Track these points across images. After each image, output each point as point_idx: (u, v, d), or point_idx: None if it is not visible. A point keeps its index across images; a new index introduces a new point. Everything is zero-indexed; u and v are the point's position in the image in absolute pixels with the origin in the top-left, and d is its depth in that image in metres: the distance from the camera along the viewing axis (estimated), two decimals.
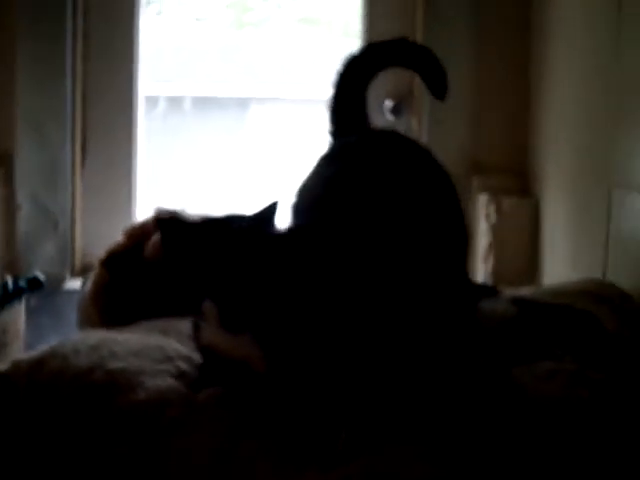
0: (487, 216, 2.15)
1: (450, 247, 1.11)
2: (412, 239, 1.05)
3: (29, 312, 1.69)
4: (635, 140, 1.59)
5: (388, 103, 2.29)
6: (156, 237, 1.45)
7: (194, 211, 1.49)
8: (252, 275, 0.97)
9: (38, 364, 1.06)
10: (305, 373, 0.98)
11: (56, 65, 2.21)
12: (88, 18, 2.28)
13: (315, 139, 2.76)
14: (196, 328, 1.04)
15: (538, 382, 1.07)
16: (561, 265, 1.97)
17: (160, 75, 2.66)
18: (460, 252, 1.15)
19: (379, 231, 1.04)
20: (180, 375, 1.04)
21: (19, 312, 1.65)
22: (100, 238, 1.96)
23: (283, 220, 1.07)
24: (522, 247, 2.12)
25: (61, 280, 2.14)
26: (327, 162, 1.18)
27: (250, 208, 1.04)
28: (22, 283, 1.67)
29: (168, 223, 1.02)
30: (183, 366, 1.06)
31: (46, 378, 1.03)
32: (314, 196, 1.12)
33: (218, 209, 1.09)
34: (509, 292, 1.43)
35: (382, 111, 2.30)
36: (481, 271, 2.15)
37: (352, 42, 2.51)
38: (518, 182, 2.20)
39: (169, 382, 1.02)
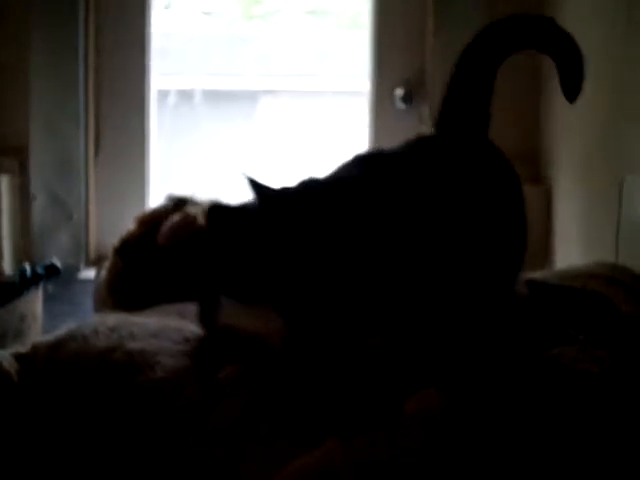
0: None
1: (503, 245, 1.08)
2: (462, 225, 1.02)
3: (46, 299, 1.70)
4: None
5: (399, 91, 2.30)
6: (168, 223, 1.46)
7: (203, 197, 1.50)
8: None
9: (57, 345, 1.07)
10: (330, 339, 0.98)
11: (69, 59, 2.23)
12: (100, 13, 2.30)
13: (324, 131, 2.78)
14: (208, 309, 1.05)
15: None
16: (573, 250, 1.97)
17: (170, 69, 2.68)
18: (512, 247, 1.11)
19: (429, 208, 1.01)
20: (198, 355, 1.05)
21: (37, 299, 1.67)
22: (114, 228, 1.97)
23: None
24: (535, 233, 2.11)
25: (76, 270, 2.16)
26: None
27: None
28: (39, 270, 1.68)
29: (217, 210, 1.01)
30: (201, 347, 1.06)
31: (66, 358, 1.04)
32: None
33: (227, 198, 1.09)
34: (521, 276, 1.43)
35: (393, 99, 2.31)
36: None
37: (361, 34, 2.51)
38: (530, 169, 2.20)
39: (187, 362, 1.03)
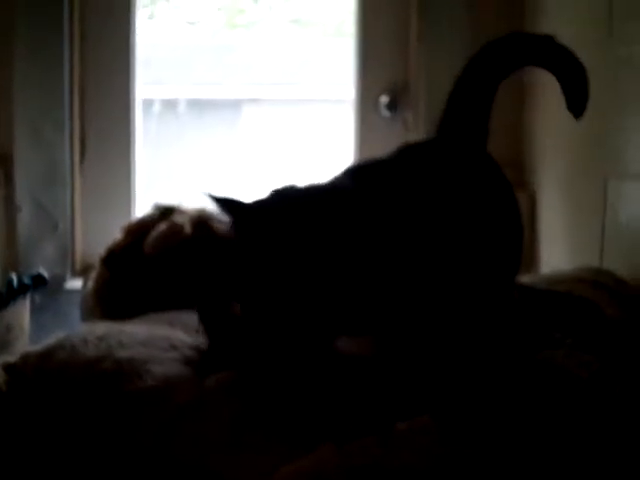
0: None
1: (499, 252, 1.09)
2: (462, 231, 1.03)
3: (32, 310, 1.70)
4: (631, 130, 1.61)
5: (384, 99, 2.31)
6: (155, 233, 1.46)
7: (190, 205, 1.50)
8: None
9: (47, 355, 1.07)
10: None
11: (54, 67, 2.22)
12: (84, 22, 2.29)
13: (308, 140, 2.79)
14: (209, 316, 1.04)
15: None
16: (559, 255, 1.98)
17: (154, 78, 2.67)
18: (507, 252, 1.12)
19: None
20: (187, 362, 1.05)
21: (24, 309, 1.66)
22: (100, 238, 1.97)
23: None
24: None
25: (62, 280, 2.15)
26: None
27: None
28: (26, 280, 1.68)
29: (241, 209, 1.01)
30: (190, 354, 1.07)
31: (55, 368, 1.04)
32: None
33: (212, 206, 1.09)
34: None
35: (377, 106, 2.31)
36: None
37: (345, 42, 2.52)
38: (514, 174, 2.20)
39: (176, 369, 1.03)
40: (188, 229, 1.44)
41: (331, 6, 2.82)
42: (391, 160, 1.11)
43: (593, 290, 1.37)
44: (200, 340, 1.09)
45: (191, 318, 1.17)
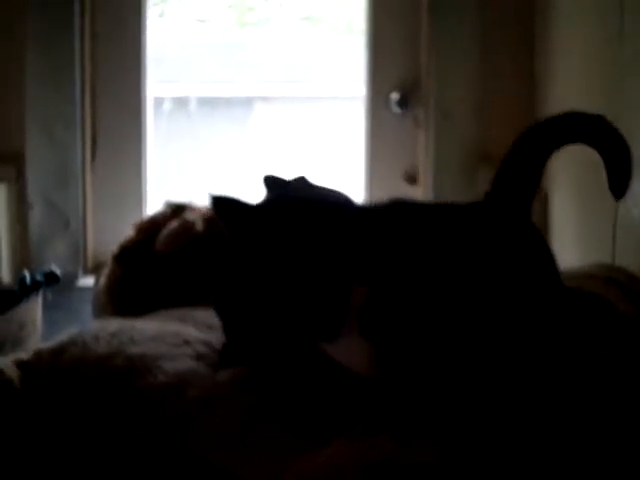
0: None
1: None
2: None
3: (45, 307, 1.71)
4: None
5: (394, 95, 2.31)
6: (166, 230, 1.46)
7: (201, 203, 1.50)
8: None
9: (59, 351, 1.07)
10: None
11: (65, 65, 2.23)
12: (96, 21, 2.31)
13: (319, 137, 2.79)
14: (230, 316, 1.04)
15: None
16: (570, 253, 1.98)
17: (165, 76, 2.68)
18: None
19: None
20: (199, 357, 1.05)
21: (36, 306, 1.67)
22: (111, 236, 1.97)
23: None
24: None
25: (74, 278, 2.17)
26: None
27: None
28: (39, 277, 1.68)
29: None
30: (201, 349, 1.07)
31: (67, 364, 1.05)
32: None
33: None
34: None
35: (388, 103, 2.31)
36: None
37: (356, 39, 2.52)
38: None
39: (188, 364, 1.03)
40: (200, 226, 1.44)
41: (341, 3, 2.83)
42: (428, 206, 1.12)
43: (605, 286, 1.37)
44: (212, 336, 1.09)
45: (202, 314, 1.17)
